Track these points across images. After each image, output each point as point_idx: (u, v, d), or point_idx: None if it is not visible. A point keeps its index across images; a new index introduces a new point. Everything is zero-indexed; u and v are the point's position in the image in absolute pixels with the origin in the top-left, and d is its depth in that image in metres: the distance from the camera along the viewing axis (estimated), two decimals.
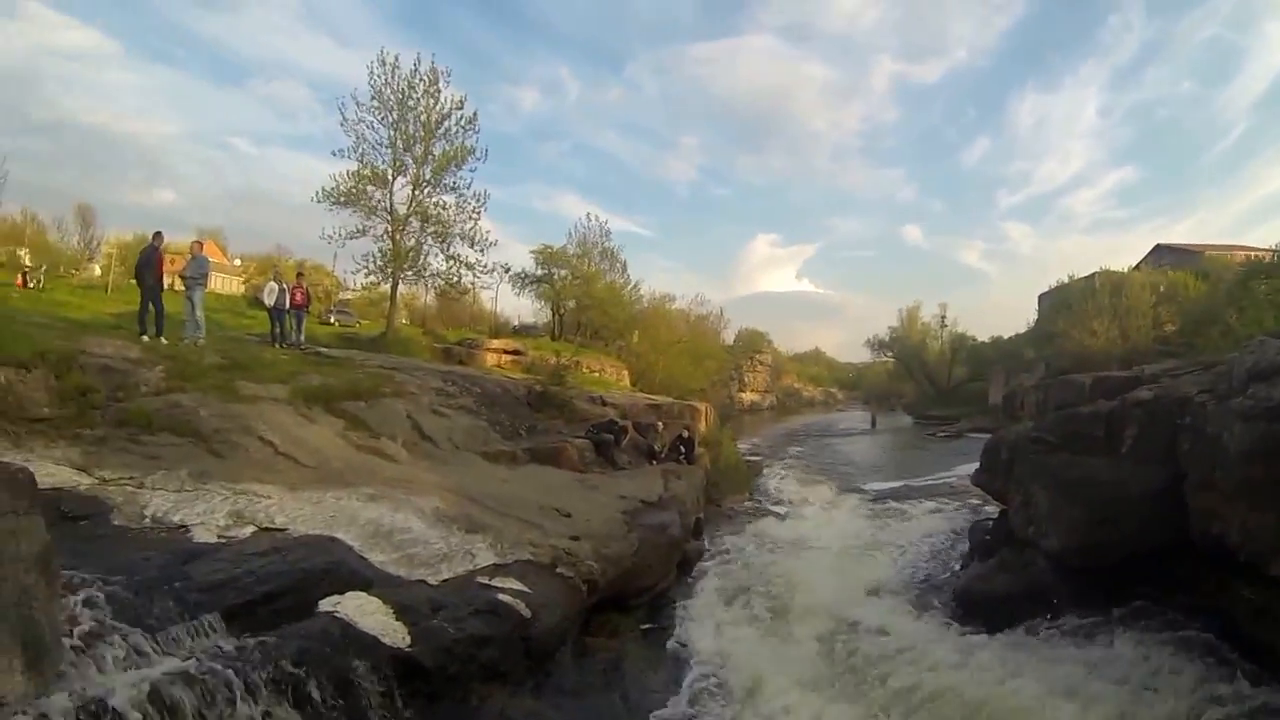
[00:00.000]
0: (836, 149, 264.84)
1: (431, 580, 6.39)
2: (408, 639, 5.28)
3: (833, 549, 13.65)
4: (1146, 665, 7.06)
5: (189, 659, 4.11)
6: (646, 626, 8.98)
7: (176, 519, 6.04)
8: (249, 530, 6.15)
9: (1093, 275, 38.26)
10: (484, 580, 6.62)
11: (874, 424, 45.60)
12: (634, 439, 16.04)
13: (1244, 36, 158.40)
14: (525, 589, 6.61)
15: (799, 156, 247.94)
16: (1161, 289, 34.01)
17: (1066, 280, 40.91)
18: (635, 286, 36.00)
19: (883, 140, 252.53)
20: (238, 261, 54.48)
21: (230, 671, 4.05)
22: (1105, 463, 9.86)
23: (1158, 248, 44.63)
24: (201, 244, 14.96)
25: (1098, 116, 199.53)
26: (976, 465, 13.11)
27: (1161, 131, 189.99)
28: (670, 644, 8.65)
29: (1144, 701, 6.48)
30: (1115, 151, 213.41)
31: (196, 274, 14.00)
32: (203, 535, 5.83)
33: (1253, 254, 35.02)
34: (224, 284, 42.40)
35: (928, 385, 54.49)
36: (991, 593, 9.90)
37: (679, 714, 6.93)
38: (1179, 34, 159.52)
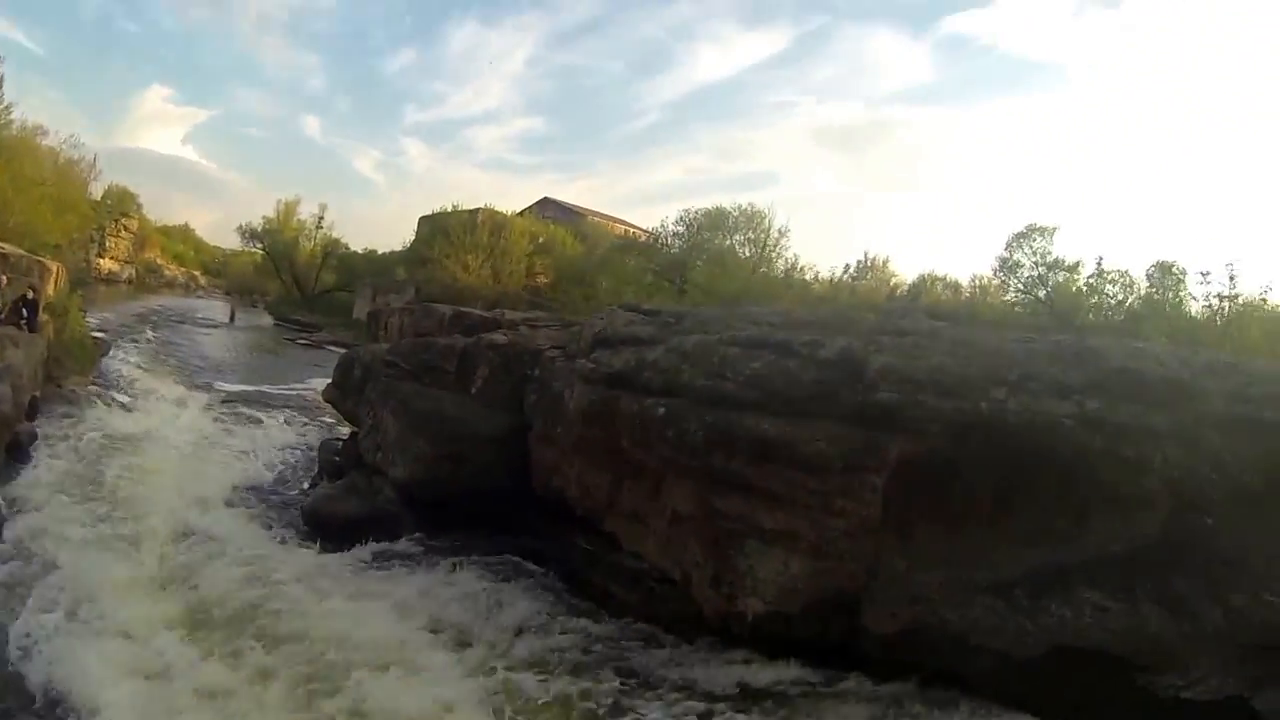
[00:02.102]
0: (263, 16, 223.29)
1: None
2: None
3: (179, 449, 12.93)
4: (485, 595, 7.60)
5: None
6: None
7: None
8: None
9: (477, 210, 39.40)
10: None
11: (233, 318, 42.81)
12: None
13: (681, 44, 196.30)
14: None
15: (221, 9, 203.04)
16: (541, 240, 36.49)
17: (450, 209, 41.53)
18: (8, 109, 28.73)
19: (313, 22, 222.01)
20: None
21: None
22: (455, 399, 10.28)
23: (545, 200, 47.45)
24: None
25: (525, 65, 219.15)
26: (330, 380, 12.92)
27: (580, 97, 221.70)
28: None
29: (483, 626, 7.02)
30: (531, 101, 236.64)
31: None
32: None
33: (630, 230, 41.67)
34: None
35: (294, 287, 51.52)
36: (338, 514, 9.79)
37: None
38: (625, 19, 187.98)
